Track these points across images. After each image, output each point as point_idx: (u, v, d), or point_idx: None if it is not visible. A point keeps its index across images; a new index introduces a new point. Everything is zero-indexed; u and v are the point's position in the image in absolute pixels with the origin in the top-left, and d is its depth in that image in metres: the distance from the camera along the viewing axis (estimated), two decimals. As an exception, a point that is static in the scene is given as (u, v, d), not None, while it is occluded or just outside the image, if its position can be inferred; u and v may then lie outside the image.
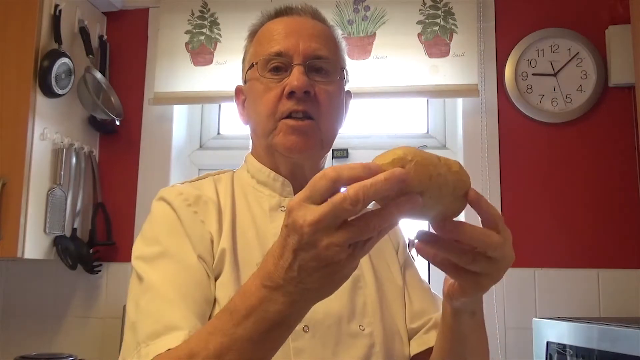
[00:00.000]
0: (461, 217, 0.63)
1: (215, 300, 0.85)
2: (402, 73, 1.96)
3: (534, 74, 1.96)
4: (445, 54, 1.96)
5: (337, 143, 1.04)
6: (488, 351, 0.88)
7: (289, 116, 0.92)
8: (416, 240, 0.64)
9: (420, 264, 1.14)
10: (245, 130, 1.05)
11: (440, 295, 0.80)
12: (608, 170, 1.90)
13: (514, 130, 1.96)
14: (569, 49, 1.96)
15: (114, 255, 2.07)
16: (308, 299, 0.61)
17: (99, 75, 2.05)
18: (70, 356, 1.90)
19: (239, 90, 1.05)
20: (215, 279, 0.87)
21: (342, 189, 0.56)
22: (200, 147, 2.23)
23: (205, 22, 2.10)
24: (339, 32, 1.03)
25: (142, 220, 0.94)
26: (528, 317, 1.69)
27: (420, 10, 1.99)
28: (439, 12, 1.98)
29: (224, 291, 0.85)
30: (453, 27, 1.96)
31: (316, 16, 1.01)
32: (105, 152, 2.15)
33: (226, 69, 2.05)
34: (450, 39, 1.96)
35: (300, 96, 0.92)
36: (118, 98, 2.08)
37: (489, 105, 1.98)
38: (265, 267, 0.62)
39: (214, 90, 2.05)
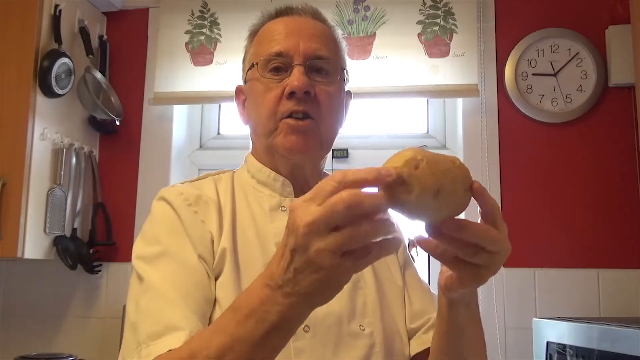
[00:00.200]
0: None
1: (215, 300, 0.85)
2: (402, 73, 1.96)
3: (534, 74, 1.96)
4: (445, 54, 1.96)
5: (337, 143, 1.04)
6: (485, 345, 0.88)
7: (289, 116, 0.92)
8: (418, 234, 0.64)
9: (420, 264, 1.14)
10: (245, 130, 1.05)
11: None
12: (608, 170, 1.90)
13: (514, 130, 1.96)
14: (569, 49, 1.95)
15: (114, 255, 2.07)
16: (305, 302, 0.61)
17: (99, 75, 2.05)
18: (70, 356, 1.90)
19: (239, 90, 1.05)
20: (215, 279, 0.87)
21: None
22: (200, 147, 2.23)
23: (205, 22, 2.09)
24: (339, 32, 1.03)
25: (142, 220, 0.94)
26: (528, 317, 1.69)
27: (420, 10, 1.99)
28: (439, 12, 1.98)
29: (224, 291, 0.85)
30: (453, 27, 1.96)
31: (316, 16, 1.01)
32: (105, 152, 2.15)
33: (226, 69, 2.05)
34: (450, 39, 1.96)
35: (301, 96, 0.92)
36: (118, 98, 2.08)
37: (489, 105, 1.98)
38: (270, 266, 0.63)
39: (214, 90, 2.05)
